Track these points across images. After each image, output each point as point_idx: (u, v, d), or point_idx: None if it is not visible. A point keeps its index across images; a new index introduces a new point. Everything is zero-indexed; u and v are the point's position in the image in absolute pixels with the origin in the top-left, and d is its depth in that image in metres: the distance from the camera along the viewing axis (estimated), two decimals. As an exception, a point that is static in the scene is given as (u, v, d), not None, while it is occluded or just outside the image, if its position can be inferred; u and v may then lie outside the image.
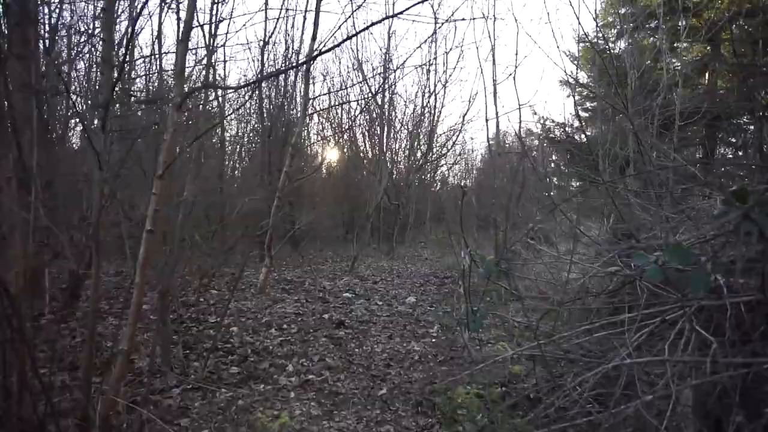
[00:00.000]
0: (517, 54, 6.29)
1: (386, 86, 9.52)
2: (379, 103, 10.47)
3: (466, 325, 3.31)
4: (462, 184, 5.29)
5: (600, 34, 12.37)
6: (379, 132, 11.12)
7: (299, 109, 5.21)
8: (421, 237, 15.08)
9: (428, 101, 10.73)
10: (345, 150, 12.32)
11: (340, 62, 10.92)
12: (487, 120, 6.72)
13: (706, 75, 11.87)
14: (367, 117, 11.79)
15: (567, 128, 11.95)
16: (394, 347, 3.55)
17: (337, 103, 9.61)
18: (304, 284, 6.03)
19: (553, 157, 14.73)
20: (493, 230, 8.67)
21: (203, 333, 3.69)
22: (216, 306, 4.66)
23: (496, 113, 6.35)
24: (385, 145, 10.57)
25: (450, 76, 10.40)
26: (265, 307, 4.61)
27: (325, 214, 11.44)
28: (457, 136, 11.06)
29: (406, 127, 11.38)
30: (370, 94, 8.85)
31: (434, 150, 11.53)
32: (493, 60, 6.33)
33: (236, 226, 6.81)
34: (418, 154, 11.91)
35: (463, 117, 10.63)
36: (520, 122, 6.25)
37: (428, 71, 10.83)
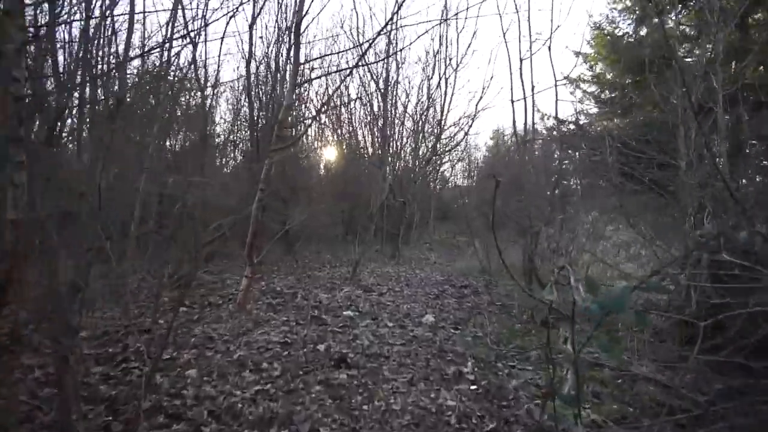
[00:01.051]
0: (552, 19, 5.22)
1: (390, 53, 8.41)
2: (380, 84, 9.41)
3: (569, 400, 2.25)
4: (494, 174, 4.25)
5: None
6: (381, 124, 10.05)
7: (288, 80, 4.13)
8: (426, 237, 14.02)
9: (439, 84, 9.65)
10: (343, 143, 11.24)
11: (335, 41, 9.78)
12: (512, 101, 5.62)
13: (733, 63, 10.87)
14: (368, 108, 10.75)
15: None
16: (418, 401, 2.48)
17: (329, 72, 8.50)
18: (296, 297, 4.95)
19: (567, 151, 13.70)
20: (499, 229, 7.63)
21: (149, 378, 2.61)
22: (181, 331, 3.58)
23: (529, 89, 5.24)
24: (388, 135, 9.50)
25: (462, 59, 9.30)
26: (242, 333, 3.53)
27: (323, 212, 10.40)
28: (470, 126, 9.97)
29: (411, 117, 10.29)
30: (367, 65, 7.73)
31: (442, 142, 10.43)
32: (528, 21, 5.24)
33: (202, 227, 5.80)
34: (423, 149, 10.85)
35: (476, 105, 9.55)
36: (557, 102, 5.19)
37: (436, 54, 9.76)
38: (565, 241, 7.61)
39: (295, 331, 3.61)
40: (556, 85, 5.00)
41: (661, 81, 5.76)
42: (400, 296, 5.35)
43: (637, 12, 12.55)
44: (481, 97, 11.96)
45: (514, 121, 5.66)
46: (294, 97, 5.08)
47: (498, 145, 19.97)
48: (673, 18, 13.21)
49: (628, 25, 12.91)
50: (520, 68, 5.75)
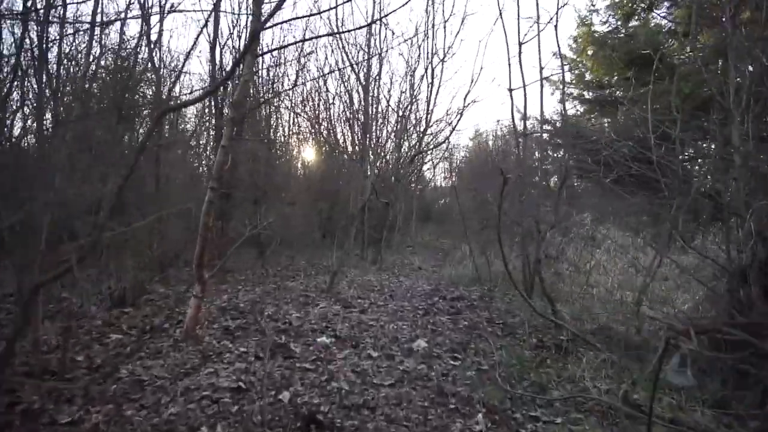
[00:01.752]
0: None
1: (373, 20, 7.66)
2: (361, 78, 8.67)
3: None
4: (502, 170, 3.56)
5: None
6: (362, 118, 9.29)
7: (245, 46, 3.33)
8: (408, 240, 13.31)
9: (424, 75, 8.97)
10: (321, 139, 10.42)
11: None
12: (510, 90, 4.96)
13: (719, 62, 10.56)
14: (348, 104, 9.96)
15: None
16: (418, 489, 1.74)
17: (299, 41, 7.71)
18: (262, 317, 4.15)
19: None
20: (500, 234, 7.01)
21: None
22: (102, 372, 2.75)
23: (528, 77, 4.56)
24: (371, 130, 8.76)
25: (449, 48, 8.62)
26: (184, 374, 2.73)
27: (299, 213, 9.58)
28: (458, 121, 9.31)
29: (395, 112, 9.56)
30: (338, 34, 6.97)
31: (427, 139, 9.73)
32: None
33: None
34: (406, 146, 10.15)
35: (465, 98, 8.90)
36: (564, 88, 4.49)
37: (420, 44, 9.08)
38: (562, 246, 7.03)
39: (254, 369, 2.81)
40: (563, 72, 4.35)
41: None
42: (385, 312, 4.61)
43: (625, 8, 12.19)
44: (469, 91, 11.29)
45: (512, 112, 5.00)
46: (254, 71, 4.34)
47: (480, 144, 19.47)
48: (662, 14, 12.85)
49: (617, 20, 12.51)
50: (519, 53, 5.09)
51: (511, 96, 5.08)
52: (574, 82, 12.94)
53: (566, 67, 12.45)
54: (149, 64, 6.94)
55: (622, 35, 11.64)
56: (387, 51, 8.57)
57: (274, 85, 9.35)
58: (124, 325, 3.76)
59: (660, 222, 4.05)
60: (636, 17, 12.36)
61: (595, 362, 3.00)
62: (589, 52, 12.60)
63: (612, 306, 4.24)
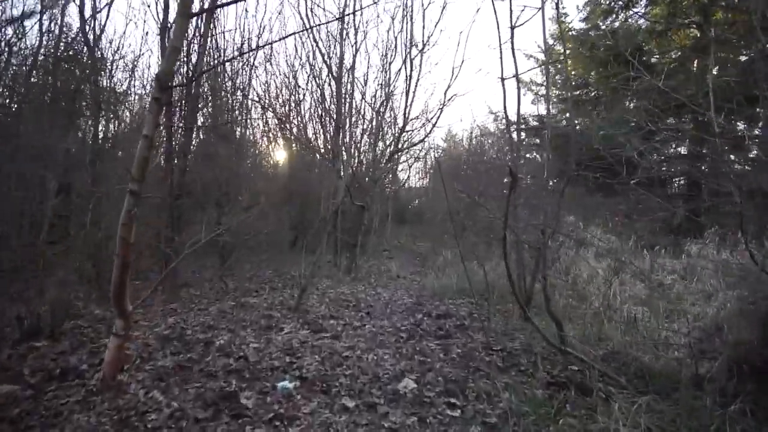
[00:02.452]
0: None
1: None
2: (333, 68, 7.92)
3: None
4: (509, 166, 2.97)
5: None
6: (334, 113, 8.55)
7: (178, 6, 2.52)
8: (384, 244, 12.63)
9: (401, 68, 8.31)
10: (291, 137, 9.62)
11: None
12: (503, 80, 4.35)
13: (695, 62, 10.40)
14: (319, 99, 9.17)
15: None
16: None
17: None
18: (212, 348, 3.38)
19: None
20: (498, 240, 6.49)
21: None
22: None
23: (522, 65, 3.95)
24: (344, 126, 8.02)
25: (429, 38, 7.96)
26: (84, 454, 1.95)
27: (266, 217, 8.75)
28: (438, 117, 8.69)
29: (371, 106, 8.85)
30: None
31: (405, 137, 9.07)
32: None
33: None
34: (381, 146, 9.48)
35: (446, 92, 8.29)
36: (566, 69, 3.93)
37: (397, 35, 8.41)
38: (556, 253, 6.50)
39: (186, 439, 2.06)
40: (565, 57, 3.75)
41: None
42: (362, 337, 3.91)
43: (602, 5, 11.90)
44: (449, 85, 10.70)
45: (504, 103, 4.40)
46: (187, 35, 3.54)
47: (454, 145, 19.06)
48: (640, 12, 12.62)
49: (588, 20, 12.12)
50: (511, 38, 4.49)
51: (503, 86, 4.47)
52: (544, 83, 12.58)
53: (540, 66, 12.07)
54: (85, 49, 6.08)
55: (595, 34, 11.32)
56: (361, 13, 7.70)
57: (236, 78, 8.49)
58: (27, 368, 2.92)
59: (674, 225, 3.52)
60: (614, 15, 12.14)
61: (629, 409, 2.39)
62: (561, 50, 12.21)
63: (626, 327, 3.68)
